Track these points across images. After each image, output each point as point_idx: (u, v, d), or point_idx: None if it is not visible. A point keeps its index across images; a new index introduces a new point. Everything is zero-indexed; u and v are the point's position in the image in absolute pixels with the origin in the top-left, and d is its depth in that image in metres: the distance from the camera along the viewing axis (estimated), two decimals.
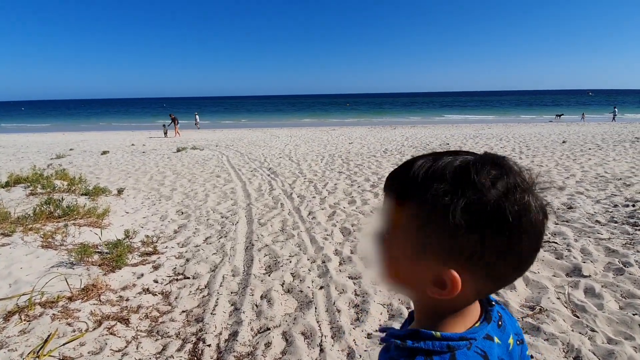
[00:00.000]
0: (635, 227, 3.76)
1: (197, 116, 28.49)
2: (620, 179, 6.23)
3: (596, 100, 68.68)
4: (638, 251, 3.16)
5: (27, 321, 2.25)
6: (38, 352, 1.99)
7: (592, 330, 2.16)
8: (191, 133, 22.06)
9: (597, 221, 4.08)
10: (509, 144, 12.16)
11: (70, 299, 2.52)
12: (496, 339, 0.49)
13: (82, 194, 5.47)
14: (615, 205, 4.65)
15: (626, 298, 2.48)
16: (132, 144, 15.47)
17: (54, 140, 18.41)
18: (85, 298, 2.53)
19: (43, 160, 11.33)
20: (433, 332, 0.46)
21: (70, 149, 13.94)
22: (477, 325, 0.48)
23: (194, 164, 9.73)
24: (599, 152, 9.47)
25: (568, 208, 4.67)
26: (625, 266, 2.90)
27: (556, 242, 3.47)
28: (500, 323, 0.52)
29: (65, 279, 2.67)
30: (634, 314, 2.27)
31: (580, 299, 2.50)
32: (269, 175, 7.76)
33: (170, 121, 20.06)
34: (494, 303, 0.53)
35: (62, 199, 4.34)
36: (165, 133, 19.70)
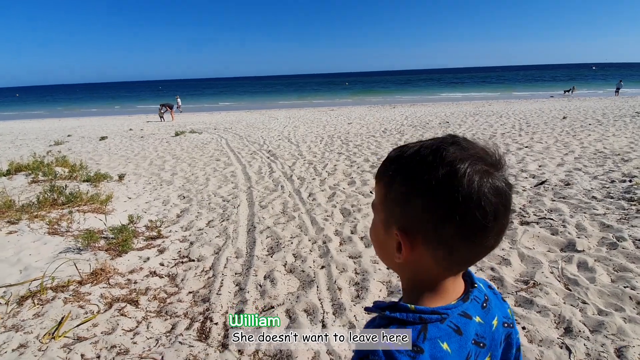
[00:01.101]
0: (631, 202, 3.82)
1: (178, 99, 28.05)
2: (618, 154, 6.25)
3: (600, 74, 67.47)
4: (632, 226, 3.23)
5: (40, 305, 2.35)
6: (53, 333, 2.09)
7: (584, 302, 2.25)
8: (189, 116, 21.86)
9: (593, 197, 4.13)
10: (509, 120, 12.07)
11: (80, 283, 2.61)
12: (477, 318, 0.54)
13: (83, 181, 5.50)
14: (613, 181, 4.70)
15: (618, 271, 2.57)
16: (130, 129, 15.37)
17: (51, 127, 18.27)
18: (95, 282, 2.62)
19: (42, 147, 11.30)
20: (409, 305, 0.51)
21: (69, 135, 13.87)
22: (453, 302, 0.53)
23: (193, 147, 9.72)
24: (599, 127, 9.43)
25: (565, 185, 4.71)
26: (619, 241, 2.97)
27: (552, 219, 3.53)
28: (485, 305, 0.56)
29: (74, 264, 2.75)
30: (625, 287, 2.35)
31: (573, 273, 2.58)
32: (268, 157, 7.77)
33: (165, 109, 19.90)
34: (476, 285, 0.57)
35: (65, 186, 4.38)
36: (162, 117, 19.55)
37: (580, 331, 2.01)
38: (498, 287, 2.52)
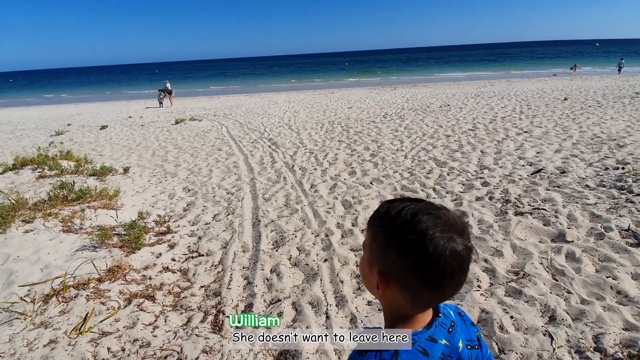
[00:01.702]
0: (621, 191, 3.95)
1: (167, 84, 27.58)
2: (615, 139, 6.33)
3: (602, 51, 65.96)
4: (620, 216, 3.37)
5: (65, 302, 2.53)
6: (80, 329, 2.28)
7: (568, 292, 2.43)
8: (187, 101, 21.73)
9: (586, 186, 4.26)
10: (510, 102, 12.04)
11: (100, 280, 2.79)
12: (444, 341, 0.68)
13: (90, 175, 5.63)
14: (606, 168, 4.81)
15: (603, 262, 2.73)
16: (130, 116, 15.35)
17: (50, 115, 18.22)
18: (113, 279, 2.80)
19: (43, 137, 11.36)
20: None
21: (68, 124, 13.88)
22: (419, 329, 0.66)
23: (194, 136, 9.78)
24: (598, 109, 9.44)
25: (561, 173, 4.83)
26: (606, 231, 3.13)
27: (545, 209, 3.68)
28: (451, 330, 0.70)
29: (92, 262, 2.92)
30: (607, 277, 2.52)
31: (561, 264, 2.75)
32: (270, 146, 7.86)
33: (164, 94, 19.78)
34: (440, 314, 0.70)
35: (73, 182, 4.52)
36: (161, 103, 19.46)
37: (563, 319, 2.19)
38: (490, 278, 2.69)
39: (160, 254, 3.31)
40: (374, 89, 23.31)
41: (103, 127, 12.34)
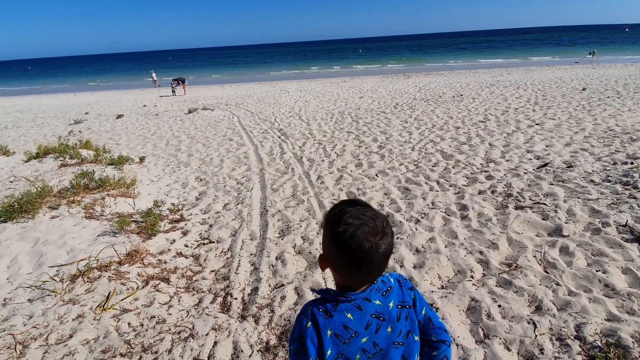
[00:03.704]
0: (626, 186, 3.96)
1: (153, 74, 27.91)
2: (628, 132, 6.23)
3: (632, 36, 62.83)
4: (620, 211, 3.42)
5: (90, 282, 2.79)
6: (103, 306, 2.53)
7: (557, 284, 2.54)
8: (200, 90, 22.00)
9: (591, 180, 4.28)
10: (525, 92, 11.80)
11: (120, 263, 3.04)
12: (377, 302, 0.91)
13: (108, 164, 5.93)
14: (615, 163, 4.79)
15: (595, 256, 2.82)
16: (144, 105, 15.72)
17: (68, 103, 18.80)
18: (132, 262, 3.05)
19: (62, 126, 11.81)
20: (332, 291, 0.91)
21: (86, 113, 14.35)
22: (357, 292, 0.90)
23: (206, 126, 10.02)
24: (616, 101, 9.20)
25: (567, 167, 4.84)
26: (603, 226, 3.19)
27: (545, 204, 3.74)
28: (385, 293, 0.93)
29: (113, 247, 3.18)
30: (597, 270, 2.61)
31: (553, 257, 2.84)
32: (279, 137, 8.02)
33: (177, 83, 20.14)
34: (378, 282, 0.93)
35: (93, 171, 4.80)
36: (174, 92, 19.80)
37: (548, 309, 2.31)
38: (483, 269, 2.82)
39: (174, 240, 3.55)
40: (386, 77, 23.05)
41: (119, 116, 12.72)
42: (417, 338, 0.97)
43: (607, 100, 9.42)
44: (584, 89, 11.54)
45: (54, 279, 2.83)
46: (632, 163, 4.70)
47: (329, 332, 0.87)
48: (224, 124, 10.09)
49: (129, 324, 2.41)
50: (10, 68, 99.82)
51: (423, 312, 0.98)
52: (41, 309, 2.54)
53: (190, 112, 12.55)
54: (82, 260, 3.05)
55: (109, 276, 2.86)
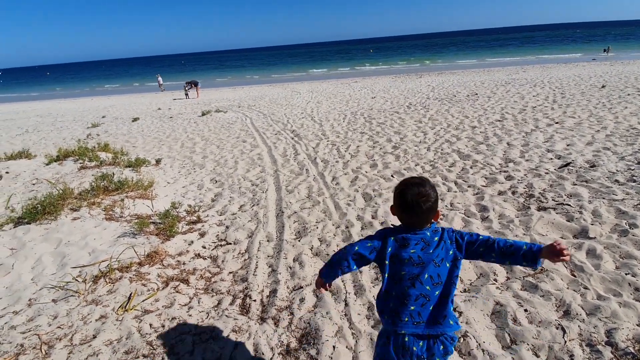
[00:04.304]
0: None
1: (159, 78, 28.51)
2: None
3: None
4: None
5: (111, 283, 2.83)
6: (125, 306, 2.57)
7: (585, 287, 2.45)
8: (212, 93, 22.26)
9: (616, 180, 4.14)
10: (542, 90, 11.53)
11: (140, 264, 3.08)
12: (427, 234, 1.43)
13: (126, 167, 6.03)
14: (639, 162, 4.62)
15: (624, 259, 2.71)
16: (159, 108, 15.98)
17: (85, 107, 19.27)
18: (151, 263, 3.09)
19: (80, 129, 12.10)
20: (394, 225, 1.54)
21: (103, 117, 14.67)
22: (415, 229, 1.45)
23: (219, 128, 10.12)
24: (637, 98, 8.90)
25: (590, 166, 4.69)
26: (631, 228, 3.07)
27: (569, 205, 3.63)
28: (434, 231, 1.44)
29: (133, 248, 3.23)
30: (626, 274, 2.51)
31: (580, 260, 2.75)
32: (292, 138, 8.03)
33: (190, 86, 20.49)
34: (430, 226, 1.46)
35: (112, 174, 4.89)
36: (187, 95, 20.10)
37: (577, 314, 2.23)
38: (507, 273, 2.74)
39: (192, 242, 3.58)
40: (398, 77, 22.88)
41: (135, 120, 12.96)
42: (448, 265, 1.41)
43: (628, 97, 9.13)
44: (603, 87, 11.21)
45: (77, 280, 2.89)
46: None
47: (392, 238, 1.44)
48: (237, 126, 10.17)
49: (150, 324, 2.44)
50: (30, 74, 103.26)
51: (466, 238, 1.44)
52: (65, 310, 2.59)
53: (203, 114, 12.70)
54: (103, 261, 3.10)
55: (130, 277, 2.90)
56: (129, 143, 9.26)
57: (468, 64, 30.91)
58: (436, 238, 1.41)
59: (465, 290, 2.60)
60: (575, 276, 2.59)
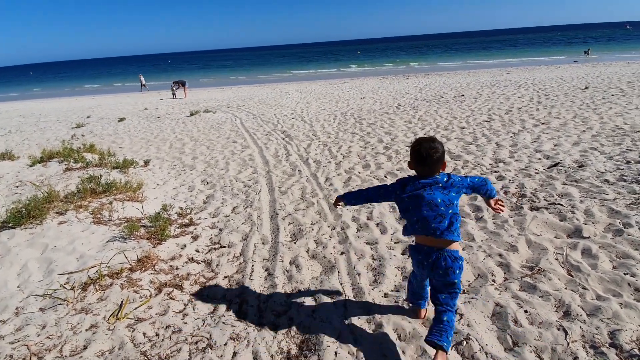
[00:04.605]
0: None
1: (141, 78, 28.28)
2: (639, 130, 6.17)
3: (634, 34, 62.93)
4: None
5: (102, 290, 2.71)
6: (117, 315, 2.46)
7: (584, 288, 2.47)
8: (200, 93, 21.94)
9: (605, 180, 4.22)
10: (527, 92, 11.76)
11: (131, 269, 2.96)
12: (437, 177, 1.91)
13: (113, 168, 5.85)
14: (628, 162, 4.73)
15: (620, 258, 2.75)
16: (146, 108, 15.65)
17: (70, 107, 18.72)
18: (143, 269, 2.97)
19: (65, 129, 11.73)
20: (410, 175, 2.00)
21: (88, 117, 14.27)
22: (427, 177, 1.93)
23: (209, 128, 9.95)
24: (622, 99, 9.16)
25: (579, 166, 4.78)
26: (625, 227, 3.13)
27: (561, 204, 3.68)
28: (443, 179, 1.91)
29: (123, 253, 3.11)
30: (625, 274, 2.55)
31: (576, 260, 2.78)
32: (283, 139, 7.95)
33: (177, 86, 20.14)
34: (439, 175, 1.93)
35: (100, 175, 4.72)
36: (174, 94, 19.75)
37: (578, 315, 2.24)
38: (505, 273, 2.75)
39: (184, 245, 3.48)
40: (386, 78, 23.02)
41: (121, 120, 12.65)
42: (454, 194, 1.90)
43: (612, 98, 9.38)
44: (586, 88, 11.50)
45: (65, 287, 2.76)
46: None
47: (410, 181, 1.93)
48: (227, 126, 10.02)
49: (144, 334, 2.34)
50: (12, 73, 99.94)
51: (468, 180, 1.96)
52: (54, 319, 2.47)
53: (192, 114, 12.48)
54: (92, 267, 2.98)
55: (121, 284, 2.79)
56: (116, 144, 9.02)
57: (453, 66, 31.34)
58: (445, 179, 1.90)
59: (464, 292, 2.59)
60: (572, 276, 2.61)
